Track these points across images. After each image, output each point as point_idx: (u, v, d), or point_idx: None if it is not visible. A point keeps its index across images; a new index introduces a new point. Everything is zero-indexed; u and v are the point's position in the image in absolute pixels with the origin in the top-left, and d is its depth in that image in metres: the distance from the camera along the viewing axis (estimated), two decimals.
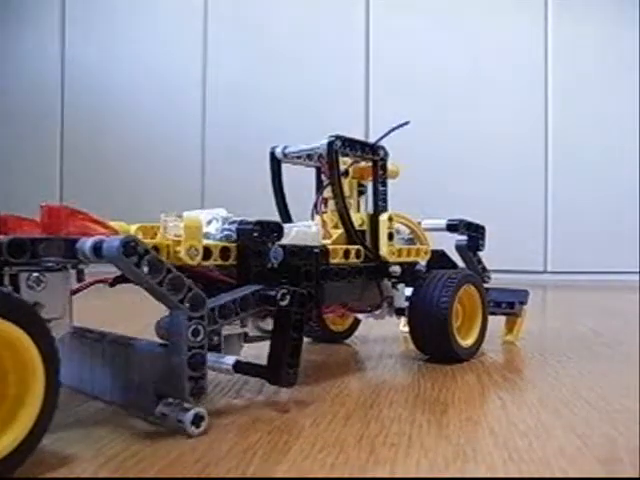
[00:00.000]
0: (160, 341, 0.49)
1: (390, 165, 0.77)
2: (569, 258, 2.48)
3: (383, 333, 0.98)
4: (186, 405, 0.47)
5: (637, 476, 0.39)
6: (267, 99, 2.64)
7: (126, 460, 0.41)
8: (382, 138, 0.75)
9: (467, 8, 2.54)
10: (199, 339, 0.46)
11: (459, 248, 0.91)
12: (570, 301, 1.72)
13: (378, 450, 0.43)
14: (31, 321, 0.38)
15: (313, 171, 0.80)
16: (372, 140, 0.76)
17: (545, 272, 2.50)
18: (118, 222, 0.54)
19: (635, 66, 2.45)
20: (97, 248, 0.43)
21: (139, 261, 0.43)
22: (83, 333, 0.55)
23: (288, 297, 0.53)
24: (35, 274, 0.42)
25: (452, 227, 0.88)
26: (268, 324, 0.59)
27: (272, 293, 0.53)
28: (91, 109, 2.79)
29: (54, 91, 2.82)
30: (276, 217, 0.73)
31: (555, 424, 0.49)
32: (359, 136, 0.73)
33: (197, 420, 0.46)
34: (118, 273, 0.57)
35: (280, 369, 0.53)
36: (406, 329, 0.88)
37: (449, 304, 0.72)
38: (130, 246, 0.42)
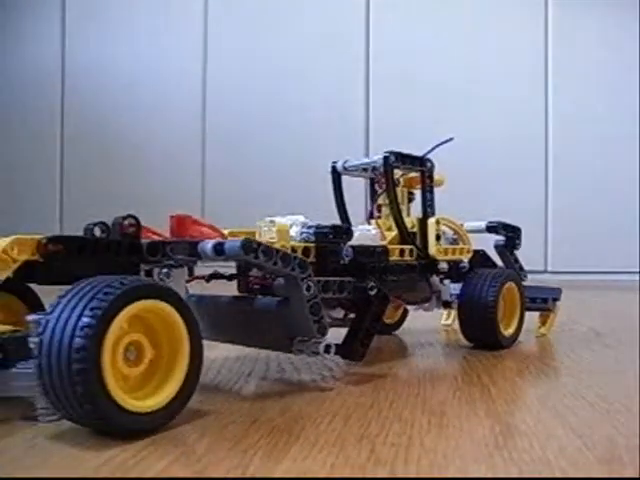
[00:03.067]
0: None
1: (436, 175, 0.86)
2: (569, 258, 2.48)
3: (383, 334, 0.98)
4: (316, 339, 0.59)
5: (637, 476, 0.39)
6: (268, 99, 2.64)
7: (127, 460, 0.41)
8: (429, 152, 0.84)
9: (467, 7, 2.54)
10: (312, 292, 0.59)
11: (497, 247, 0.98)
12: (570, 301, 1.72)
13: (378, 450, 0.43)
14: (176, 301, 0.48)
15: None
16: (419, 153, 0.84)
17: (545, 272, 2.50)
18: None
19: (635, 66, 2.45)
20: (218, 248, 0.53)
21: (256, 253, 0.54)
22: (212, 297, 0.68)
23: (375, 289, 0.65)
24: (165, 269, 0.54)
25: (491, 228, 0.96)
26: (338, 313, 0.71)
27: (364, 284, 0.65)
28: (91, 109, 2.79)
29: (54, 91, 2.82)
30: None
31: (555, 424, 0.49)
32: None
33: (327, 348, 0.60)
34: (211, 271, 0.69)
35: (353, 345, 0.64)
36: (447, 322, 1.05)
37: (496, 299, 0.80)
38: (248, 245, 0.54)
